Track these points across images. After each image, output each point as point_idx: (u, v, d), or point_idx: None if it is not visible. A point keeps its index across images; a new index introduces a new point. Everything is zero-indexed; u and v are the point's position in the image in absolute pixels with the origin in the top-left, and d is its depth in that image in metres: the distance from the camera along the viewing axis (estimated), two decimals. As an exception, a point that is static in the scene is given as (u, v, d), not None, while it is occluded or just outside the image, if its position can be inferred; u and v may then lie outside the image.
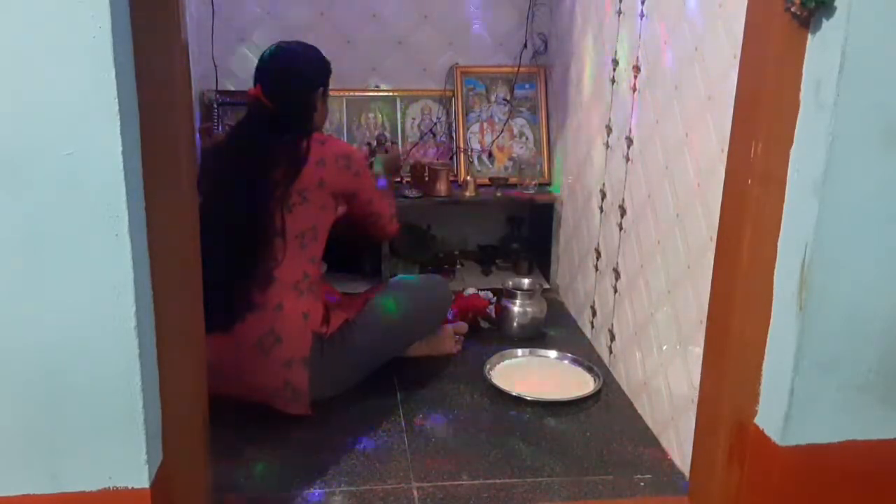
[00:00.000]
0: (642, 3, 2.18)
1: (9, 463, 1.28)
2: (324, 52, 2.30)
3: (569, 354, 2.52)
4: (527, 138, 3.22)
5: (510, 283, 2.78)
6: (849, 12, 1.25)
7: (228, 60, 3.02)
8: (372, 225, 2.36)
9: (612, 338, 2.46)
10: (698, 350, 1.74)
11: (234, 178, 2.12)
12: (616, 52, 2.40)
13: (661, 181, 2.06)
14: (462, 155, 3.17)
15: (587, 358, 2.50)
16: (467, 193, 3.01)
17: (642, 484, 1.90)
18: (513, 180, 3.12)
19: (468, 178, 3.06)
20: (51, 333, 1.23)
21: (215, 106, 2.99)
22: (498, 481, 1.89)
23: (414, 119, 3.22)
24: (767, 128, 1.44)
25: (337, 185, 2.16)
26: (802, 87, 1.36)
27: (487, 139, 3.20)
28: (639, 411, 2.22)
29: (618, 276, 2.41)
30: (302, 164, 2.10)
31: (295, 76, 2.20)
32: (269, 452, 1.99)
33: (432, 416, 2.19)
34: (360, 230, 2.42)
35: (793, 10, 1.32)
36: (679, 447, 1.95)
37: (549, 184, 3.15)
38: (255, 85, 2.19)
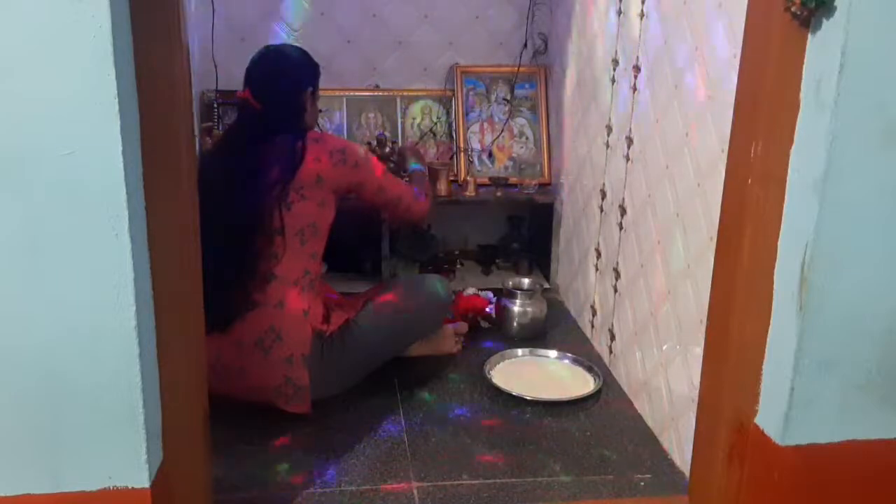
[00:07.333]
0: (642, 2, 2.18)
1: (9, 463, 1.28)
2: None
3: (569, 354, 2.52)
4: (527, 138, 3.22)
5: (510, 283, 2.78)
6: (849, 12, 1.25)
7: (228, 60, 3.02)
8: (394, 209, 2.37)
9: (612, 338, 2.46)
10: (698, 350, 1.74)
11: (229, 180, 2.13)
12: (616, 52, 2.40)
13: (661, 181, 2.06)
14: (462, 155, 3.17)
15: (587, 358, 2.50)
16: (467, 193, 3.01)
17: (642, 484, 1.90)
18: (513, 180, 3.12)
19: (468, 177, 3.06)
20: (51, 333, 1.23)
21: (215, 106, 2.99)
22: (498, 481, 1.89)
23: (414, 119, 3.22)
24: (767, 128, 1.43)
25: (336, 180, 2.16)
26: (802, 87, 1.36)
27: (487, 139, 3.20)
28: (639, 411, 2.22)
29: (618, 276, 2.41)
30: (298, 163, 2.11)
31: (282, 78, 2.22)
32: (269, 452, 1.99)
33: (432, 416, 2.19)
34: (391, 219, 2.57)
35: (793, 10, 1.32)
36: (679, 447, 1.95)
37: (549, 184, 3.15)
38: (244, 88, 2.21)
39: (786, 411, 1.44)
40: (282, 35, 3.07)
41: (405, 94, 3.22)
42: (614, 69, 2.41)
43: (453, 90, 3.21)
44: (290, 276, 2.10)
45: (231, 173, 2.14)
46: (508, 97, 3.21)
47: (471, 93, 3.22)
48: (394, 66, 3.20)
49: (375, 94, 3.20)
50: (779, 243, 1.43)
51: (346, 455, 1.98)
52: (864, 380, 1.45)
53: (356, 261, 3.12)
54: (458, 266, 3.20)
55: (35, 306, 1.22)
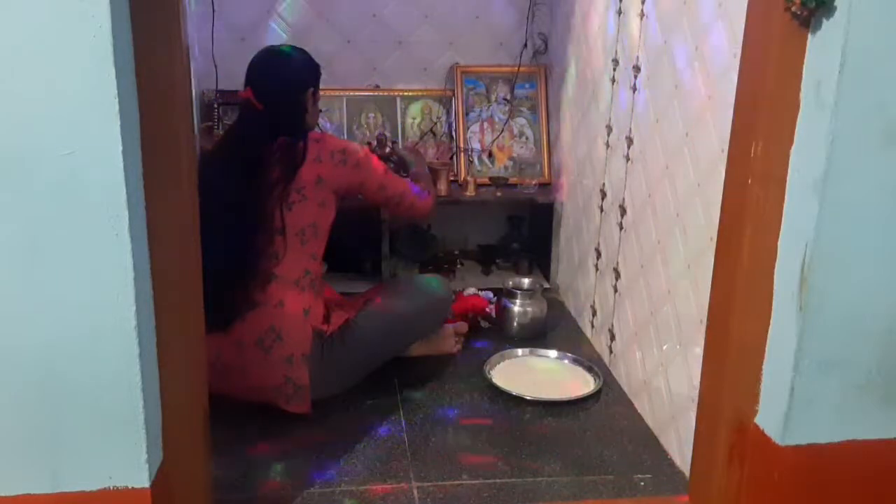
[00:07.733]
0: (642, 3, 2.18)
1: (9, 463, 1.28)
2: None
3: (569, 354, 2.52)
4: (527, 138, 3.22)
5: (510, 283, 2.78)
6: (849, 12, 1.25)
7: (228, 60, 3.02)
8: (396, 207, 2.38)
9: (612, 338, 2.46)
10: (698, 350, 1.74)
11: (230, 179, 2.13)
12: (616, 52, 2.40)
13: (662, 181, 2.06)
14: (462, 155, 3.16)
15: (587, 358, 2.50)
16: (467, 193, 3.01)
17: (642, 484, 1.90)
18: (513, 180, 3.12)
19: (468, 177, 3.06)
20: (51, 333, 1.23)
21: (215, 106, 2.99)
22: (498, 481, 1.89)
23: (414, 119, 3.22)
24: (767, 128, 1.44)
25: (336, 181, 2.17)
26: (802, 87, 1.36)
27: (487, 139, 3.20)
28: (639, 411, 2.22)
29: (618, 276, 2.41)
30: (299, 164, 2.11)
31: (284, 79, 2.22)
32: (269, 452, 1.99)
33: (432, 416, 2.19)
34: (393, 217, 2.61)
35: (793, 9, 1.32)
36: (679, 447, 1.95)
37: (549, 184, 3.15)
38: (245, 88, 2.21)
39: (786, 411, 1.44)
40: (276, 31, 3.07)
41: (405, 94, 3.22)
42: (614, 69, 2.41)
43: (453, 90, 3.21)
44: (290, 276, 2.10)
45: (232, 173, 2.14)
46: (508, 97, 3.21)
47: (471, 93, 3.22)
48: (394, 66, 3.20)
49: (375, 94, 3.20)
50: (779, 243, 1.43)
51: (346, 455, 1.98)
52: (864, 380, 1.45)
53: (356, 261, 3.12)
54: (458, 266, 3.20)
55: (35, 306, 1.22)
